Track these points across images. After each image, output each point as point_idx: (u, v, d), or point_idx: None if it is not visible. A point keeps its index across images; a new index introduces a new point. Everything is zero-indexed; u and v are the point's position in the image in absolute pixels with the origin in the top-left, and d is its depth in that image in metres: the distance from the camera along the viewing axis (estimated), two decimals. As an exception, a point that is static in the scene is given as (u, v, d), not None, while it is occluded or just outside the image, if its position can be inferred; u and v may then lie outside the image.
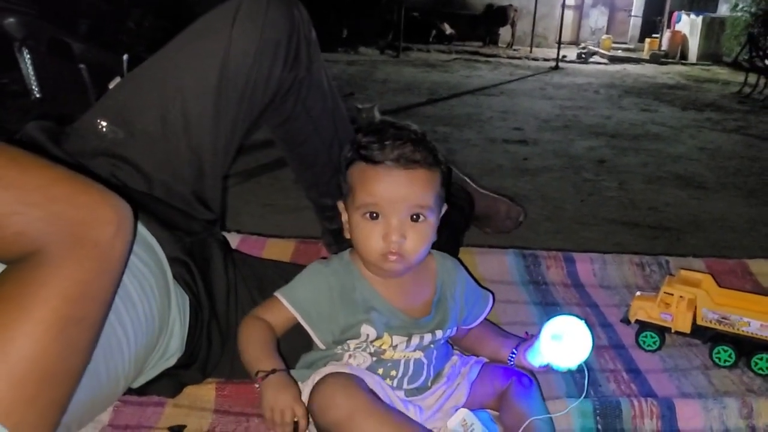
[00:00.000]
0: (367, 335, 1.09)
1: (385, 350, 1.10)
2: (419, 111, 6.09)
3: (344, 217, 1.12)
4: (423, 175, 1.05)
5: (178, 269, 1.16)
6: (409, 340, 1.10)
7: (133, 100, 1.24)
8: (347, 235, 1.12)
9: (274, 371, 1.01)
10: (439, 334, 1.13)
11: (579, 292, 1.70)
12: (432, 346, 1.13)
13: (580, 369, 1.14)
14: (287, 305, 1.11)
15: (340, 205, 1.13)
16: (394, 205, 1.04)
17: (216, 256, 1.24)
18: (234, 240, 1.68)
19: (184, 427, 1.10)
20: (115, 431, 1.09)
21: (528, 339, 1.21)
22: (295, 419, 0.98)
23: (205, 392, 1.22)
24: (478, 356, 1.22)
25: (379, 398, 1.01)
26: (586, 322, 1.11)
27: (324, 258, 1.21)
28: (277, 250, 1.70)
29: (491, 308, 1.26)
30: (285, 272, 1.37)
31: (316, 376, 1.03)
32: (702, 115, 6.71)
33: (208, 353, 1.21)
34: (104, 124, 1.20)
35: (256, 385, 1.02)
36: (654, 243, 3.05)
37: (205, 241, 1.24)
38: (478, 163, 4.28)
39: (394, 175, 1.03)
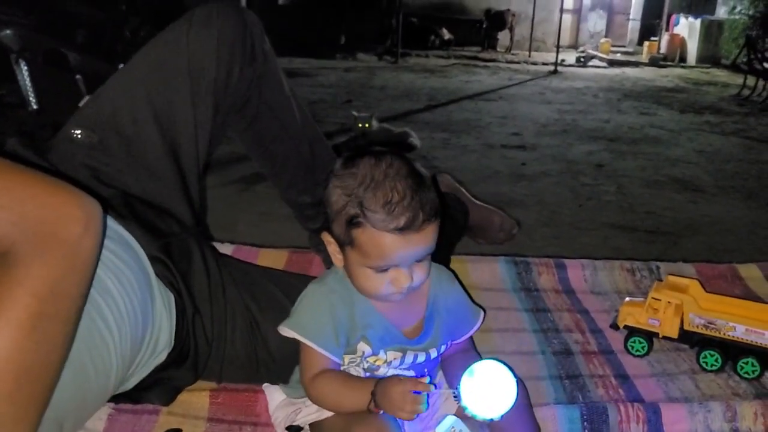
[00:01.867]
0: (363, 352, 1.09)
1: (379, 367, 1.10)
2: (418, 117, 6.11)
3: (332, 248, 1.09)
4: (432, 228, 1.02)
5: (159, 268, 1.19)
6: (403, 357, 1.10)
7: (104, 107, 1.30)
8: (338, 264, 1.10)
9: (373, 394, 1.01)
10: (433, 353, 1.13)
11: (570, 299, 1.71)
12: (424, 363, 1.13)
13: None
14: (297, 335, 1.08)
15: (325, 236, 1.09)
16: (406, 261, 1.03)
17: (195, 254, 1.27)
18: (227, 250, 1.70)
19: (180, 431, 1.11)
20: (109, 440, 1.11)
21: None
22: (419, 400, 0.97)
23: (198, 399, 1.24)
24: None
25: None
26: (512, 371, 0.99)
27: (317, 275, 1.20)
28: (270, 259, 1.72)
29: (478, 327, 1.21)
30: (277, 279, 1.40)
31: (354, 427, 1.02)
32: (701, 118, 6.72)
33: (197, 350, 1.23)
34: (78, 132, 1.26)
35: (380, 412, 1.01)
36: (651, 247, 3.06)
37: (185, 241, 1.27)
38: (476, 169, 4.29)
39: (408, 239, 1.00)
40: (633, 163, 4.67)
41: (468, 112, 6.48)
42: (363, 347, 1.09)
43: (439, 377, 1.19)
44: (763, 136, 5.97)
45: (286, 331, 1.10)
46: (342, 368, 1.11)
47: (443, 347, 1.15)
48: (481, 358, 1.21)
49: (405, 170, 1.02)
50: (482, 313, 1.22)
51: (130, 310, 1.08)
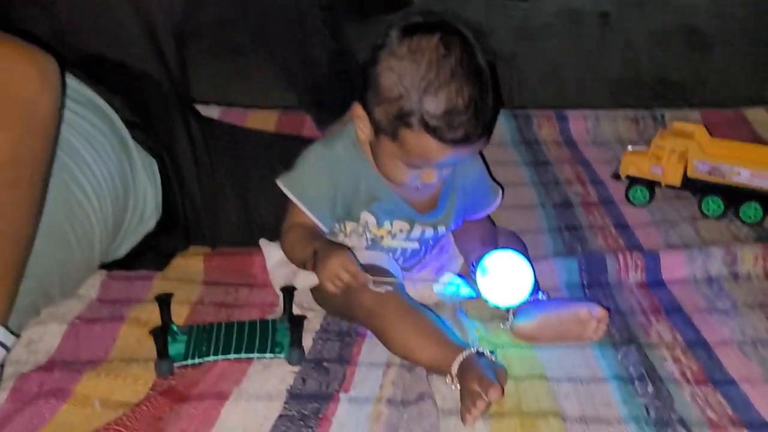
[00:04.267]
0: (366, 222, 1.06)
1: (382, 237, 1.07)
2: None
3: (361, 122, 1.00)
4: (483, 141, 0.96)
5: (136, 133, 1.14)
6: (410, 230, 1.07)
7: None
8: (362, 138, 1.02)
9: (315, 252, 0.98)
10: (441, 230, 1.09)
11: (571, 150, 1.68)
12: (430, 238, 1.10)
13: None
14: (290, 194, 1.05)
15: (357, 108, 0.99)
16: (445, 165, 0.99)
17: (177, 119, 1.22)
18: (214, 112, 1.64)
19: (171, 295, 1.10)
20: (104, 305, 1.09)
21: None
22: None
23: (193, 264, 1.22)
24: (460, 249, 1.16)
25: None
26: (528, 259, 1.01)
27: (310, 136, 1.16)
28: (260, 121, 1.66)
29: (497, 206, 1.17)
30: (267, 142, 1.36)
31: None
32: (713, -39, 6.39)
33: (186, 216, 1.21)
34: None
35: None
36: (658, 102, 2.99)
37: (163, 105, 1.22)
38: (476, 25, 4.12)
39: (457, 150, 0.94)
40: (639, 11, 4.48)
41: (469, -36, 6.16)
42: (366, 217, 1.05)
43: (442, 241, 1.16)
44: (780, -22, 5.69)
45: (282, 186, 1.05)
46: (342, 234, 1.08)
47: (453, 226, 1.12)
48: (494, 225, 1.20)
49: (473, 67, 0.93)
50: (500, 192, 1.17)
51: (107, 175, 1.04)
